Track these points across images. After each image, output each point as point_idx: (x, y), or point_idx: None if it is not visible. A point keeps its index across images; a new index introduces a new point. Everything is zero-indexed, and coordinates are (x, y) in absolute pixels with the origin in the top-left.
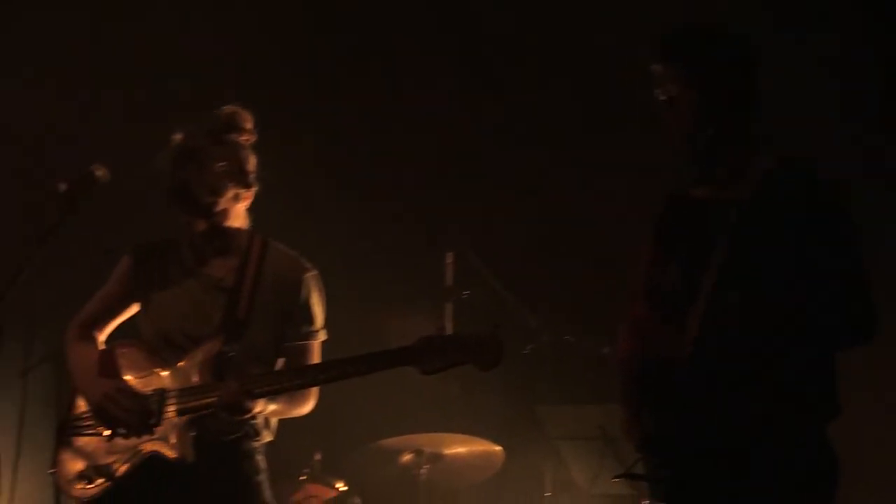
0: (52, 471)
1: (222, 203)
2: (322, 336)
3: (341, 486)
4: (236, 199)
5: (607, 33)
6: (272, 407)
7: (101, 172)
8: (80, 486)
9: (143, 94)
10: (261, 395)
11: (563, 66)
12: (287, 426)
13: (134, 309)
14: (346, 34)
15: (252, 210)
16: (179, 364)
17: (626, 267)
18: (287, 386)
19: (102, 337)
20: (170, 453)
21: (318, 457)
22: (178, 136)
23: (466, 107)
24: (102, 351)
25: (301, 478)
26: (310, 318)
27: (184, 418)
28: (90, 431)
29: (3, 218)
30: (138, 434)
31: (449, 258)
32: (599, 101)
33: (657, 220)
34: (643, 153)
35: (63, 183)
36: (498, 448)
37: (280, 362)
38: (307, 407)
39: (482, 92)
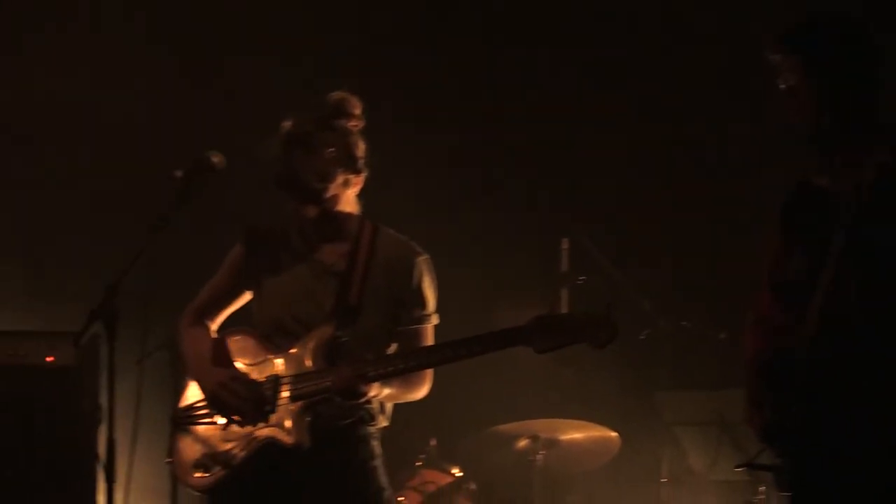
0: (168, 460)
1: (332, 189)
2: (434, 320)
3: (457, 472)
4: (346, 184)
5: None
6: (386, 391)
7: (217, 159)
8: (197, 474)
9: (262, 81)
10: (374, 379)
11: (685, 52)
12: (403, 412)
13: (246, 297)
14: (464, 20)
15: (365, 196)
16: (292, 350)
17: (743, 251)
18: (400, 368)
19: (215, 325)
20: (286, 439)
21: (433, 442)
22: (287, 123)
23: (583, 93)
24: (215, 339)
25: (417, 463)
26: (422, 302)
27: (298, 404)
28: (205, 420)
29: (120, 204)
30: (253, 421)
31: (564, 244)
32: (719, 86)
33: (782, 208)
34: (759, 136)
35: (179, 169)
36: (614, 434)
37: (393, 347)
38: (422, 391)
39: (599, 78)
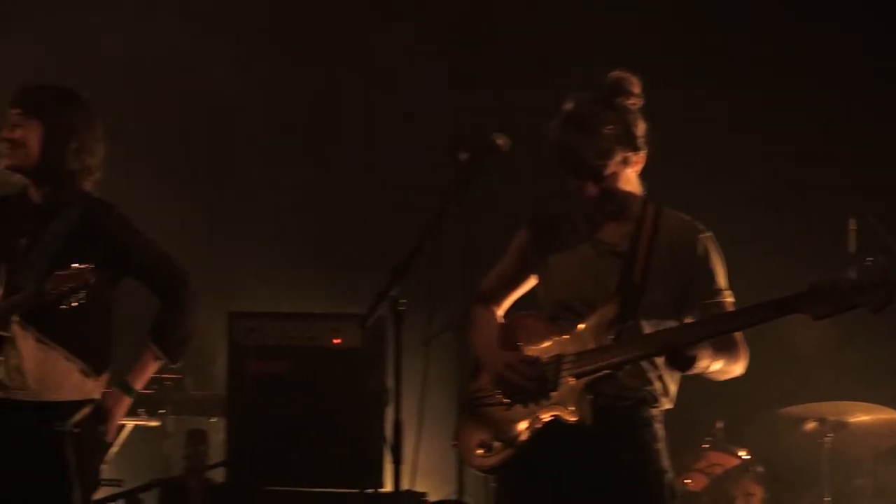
0: (454, 443)
1: (611, 166)
2: (728, 297)
3: (744, 455)
4: (625, 162)
5: None
6: (716, 365)
7: (501, 141)
8: (480, 453)
9: (539, 63)
10: (694, 342)
11: None
12: (688, 394)
13: (532, 282)
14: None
15: (650, 176)
16: (576, 329)
17: None
18: (700, 336)
19: (501, 310)
20: (569, 417)
21: (719, 425)
22: (568, 104)
23: (868, 73)
24: (502, 324)
25: (703, 446)
26: (711, 278)
27: (581, 383)
28: (490, 402)
29: (408, 186)
30: (536, 401)
31: (852, 225)
32: None
33: None
34: None
35: (464, 151)
36: None
37: None
38: (740, 366)
39: (886, 56)
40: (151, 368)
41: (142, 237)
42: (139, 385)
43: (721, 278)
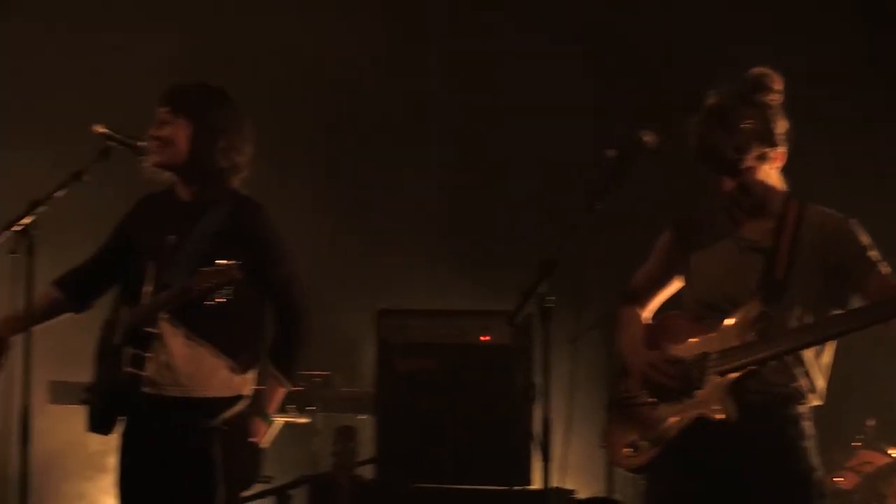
0: (602, 445)
1: (748, 161)
2: (884, 267)
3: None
4: (762, 158)
5: None
6: None
7: (649, 138)
8: (628, 454)
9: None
10: (839, 335)
11: None
12: (840, 392)
13: (677, 283)
14: None
15: (791, 173)
16: (720, 327)
17: None
18: (846, 328)
19: (648, 311)
20: (714, 415)
21: (871, 423)
22: (710, 99)
23: None
24: (648, 324)
25: (854, 444)
26: (862, 255)
27: (726, 380)
28: (636, 402)
29: (555, 184)
30: (681, 399)
31: None
32: None
33: None
34: None
35: (612, 149)
36: None
37: None
38: None
39: None
40: (280, 393)
41: (280, 248)
42: (274, 409)
43: (872, 252)
